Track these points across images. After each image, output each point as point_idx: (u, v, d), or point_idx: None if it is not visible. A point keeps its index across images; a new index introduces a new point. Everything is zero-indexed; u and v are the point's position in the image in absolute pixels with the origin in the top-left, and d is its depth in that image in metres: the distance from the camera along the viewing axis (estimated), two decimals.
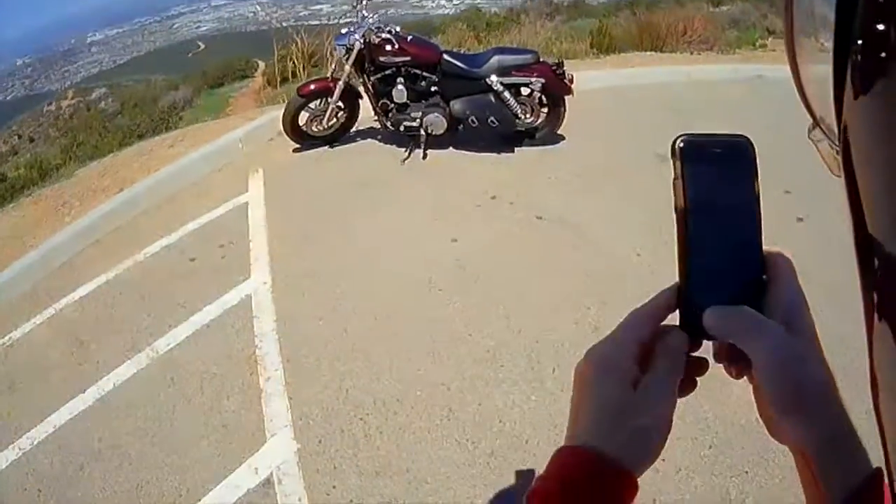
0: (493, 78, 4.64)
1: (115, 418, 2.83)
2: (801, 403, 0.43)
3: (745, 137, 0.46)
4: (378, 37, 4.65)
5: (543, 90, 4.74)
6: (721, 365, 0.47)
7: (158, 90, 18.37)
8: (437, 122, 4.80)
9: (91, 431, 2.77)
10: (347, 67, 4.72)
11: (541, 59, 4.78)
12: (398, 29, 4.83)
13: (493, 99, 4.70)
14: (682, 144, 0.46)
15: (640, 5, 12.31)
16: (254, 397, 2.84)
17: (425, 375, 2.82)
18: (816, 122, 0.35)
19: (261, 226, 4.23)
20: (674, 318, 0.47)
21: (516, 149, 5.01)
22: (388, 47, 4.67)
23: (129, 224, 4.62)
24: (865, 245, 0.25)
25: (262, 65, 13.92)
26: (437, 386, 2.76)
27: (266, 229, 4.17)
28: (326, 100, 4.90)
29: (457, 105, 4.79)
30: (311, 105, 4.97)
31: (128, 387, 3.03)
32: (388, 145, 5.13)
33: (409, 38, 4.80)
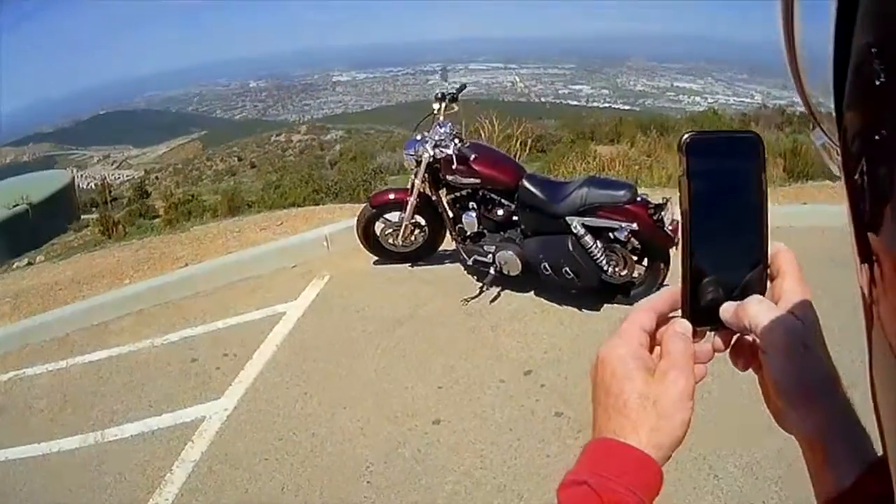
0: (574, 218, 5.03)
1: (41, 476, 4.35)
2: (807, 392, 0.62)
3: (754, 133, 0.65)
4: (445, 151, 5.44)
5: (639, 238, 5.06)
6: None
7: (385, 145, 22.10)
8: (510, 260, 5.39)
9: (27, 475, 4.40)
10: (417, 182, 5.67)
11: (638, 197, 5.03)
12: (471, 142, 5.67)
13: (570, 244, 5.05)
14: (688, 140, 0.63)
15: None
16: None
17: None
18: (817, 123, 0.45)
19: (275, 344, 5.40)
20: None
21: (605, 306, 5.34)
22: (458, 165, 5.41)
23: (175, 303, 6.35)
24: (864, 247, 0.34)
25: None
26: None
27: (276, 350, 5.29)
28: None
29: (531, 245, 5.34)
30: (389, 216, 6.07)
31: (64, 458, 4.53)
32: (472, 277, 5.93)
33: (486, 154, 5.53)
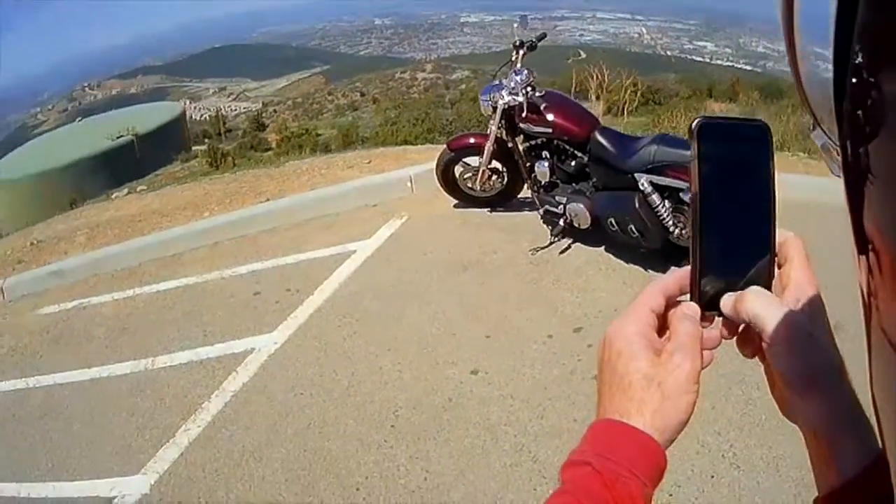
0: (642, 175, 5.06)
1: (85, 399, 4.91)
2: (813, 382, 0.65)
3: (762, 122, 0.70)
4: (519, 98, 5.51)
5: None
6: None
7: None
8: (580, 213, 5.40)
9: (71, 398, 4.97)
10: (493, 128, 5.71)
11: None
12: (546, 91, 5.61)
13: (637, 201, 5.08)
14: (698, 126, 0.68)
15: None
16: (165, 437, 4.30)
17: None
18: (817, 123, 0.48)
19: (338, 282, 5.63)
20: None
21: (672, 268, 5.21)
22: (531, 113, 5.50)
23: (251, 237, 6.69)
24: (864, 247, 0.35)
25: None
26: None
27: (338, 287, 5.55)
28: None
29: (599, 199, 5.33)
30: (469, 160, 6.16)
31: (112, 382, 5.02)
32: (547, 227, 5.88)
33: (558, 104, 5.54)
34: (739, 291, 0.68)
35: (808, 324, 0.66)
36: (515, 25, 6.06)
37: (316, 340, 4.98)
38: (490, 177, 6.17)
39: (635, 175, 5.06)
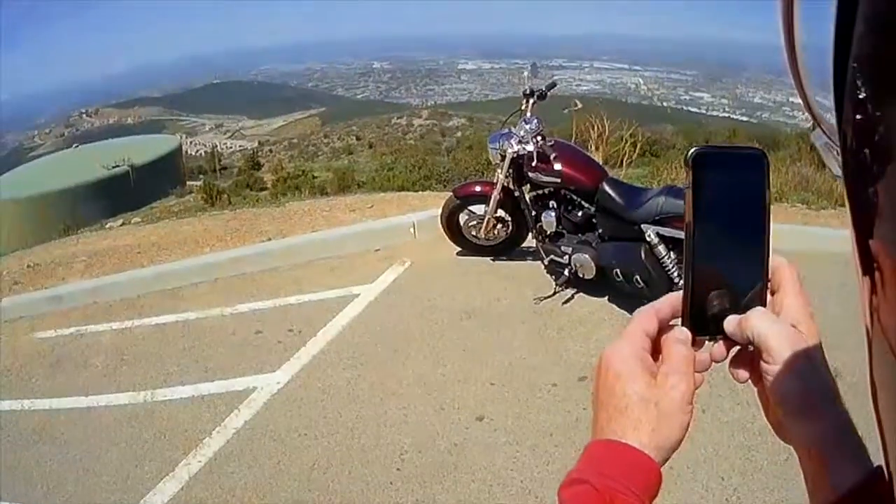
0: (649, 227, 5.14)
1: (83, 427, 4.86)
2: (809, 403, 0.68)
3: (759, 150, 0.72)
4: (528, 147, 5.62)
5: None
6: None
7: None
8: (585, 263, 5.48)
9: (67, 424, 4.92)
10: (501, 176, 5.83)
11: None
12: (556, 140, 5.74)
13: (643, 252, 5.17)
14: (694, 155, 0.70)
15: None
16: (165, 471, 4.26)
17: None
18: (817, 123, 0.49)
19: (341, 325, 5.66)
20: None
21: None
22: (539, 162, 5.61)
23: (252, 276, 6.73)
24: (866, 252, 0.36)
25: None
26: None
27: (341, 330, 5.58)
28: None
29: (605, 249, 5.45)
30: (474, 209, 6.25)
31: (111, 412, 4.99)
32: (550, 276, 5.96)
33: (568, 154, 5.65)
34: (743, 313, 0.71)
35: (805, 347, 0.69)
36: (526, 74, 6.19)
37: (320, 382, 5.02)
38: (495, 225, 6.28)
39: (642, 226, 5.16)
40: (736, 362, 0.75)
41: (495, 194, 5.96)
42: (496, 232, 6.33)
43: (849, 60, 0.34)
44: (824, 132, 0.47)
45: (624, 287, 5.37)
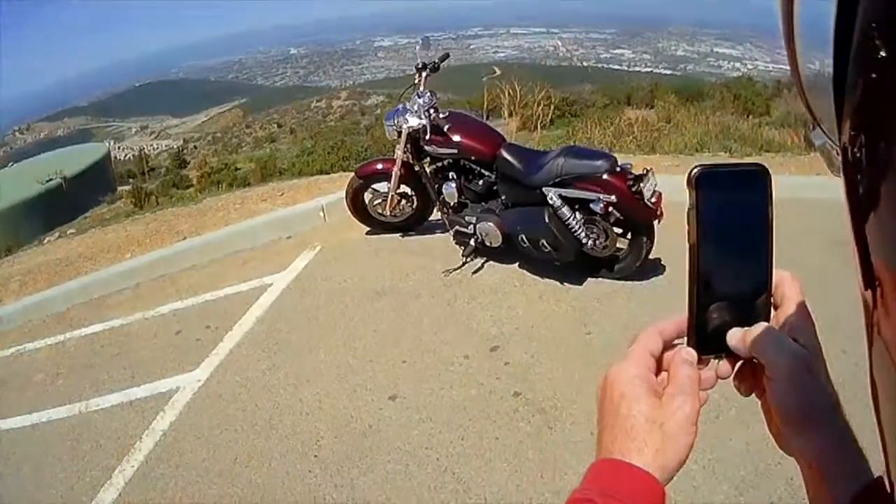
0: (550, 189, 5.24)
1: (29, 445, 4.96)
2: (811, 417, 0.70)
3: (761, 166, 0.72)
4: (423, 121, 5.73)
5: (619, 210, 5.14)
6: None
7: None
8: (490, 232, 5.64)
9: (15, 444, 5.04)
10: (399, 152, 5.97)
11: (619, 167, 5.12)
12: (449, 112, 5.87)
13: (547, 216, 5.24)
14: (697, 174, 0.70)
15: None
16: (103, 479, 4.43)
17: None
18: (817, 123, 0.49)
19: (255, 316, 5.85)
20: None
21: (589, 280, 5.55)
22: (435, 135, 5.72)
23: (171, 276, 6.87)
24: (868, 267, 0.36)
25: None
26: None
27: (255, 322, 5.77)
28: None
29: (509, 216, 5.58)
30: (377, 187, 6.41)
31: (52, 427, 5.13)
32: (459, 248, 6.17)
33: (462, 124, 5.77)
34: (748, 327, 0.73)
35: (808, 361, 0.71)
36: (417, 48, 6.20)
37: (237, 375, 5.19)
38: (399, 202, 6.44)
39: (544, 189, 5.26)
40: (740, 376, 0.77)
41: (396, 170, 6.07)
42: (401, 208, 6.51)
43: (854, 26, 0.35)
44: (824, 132, 0.48)
45: (531, 252, 5.50)
